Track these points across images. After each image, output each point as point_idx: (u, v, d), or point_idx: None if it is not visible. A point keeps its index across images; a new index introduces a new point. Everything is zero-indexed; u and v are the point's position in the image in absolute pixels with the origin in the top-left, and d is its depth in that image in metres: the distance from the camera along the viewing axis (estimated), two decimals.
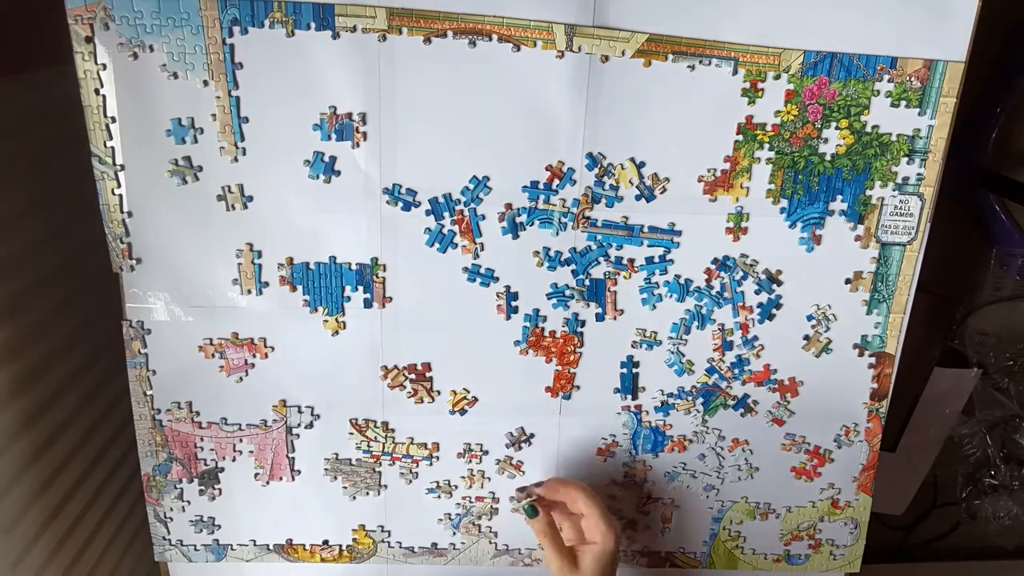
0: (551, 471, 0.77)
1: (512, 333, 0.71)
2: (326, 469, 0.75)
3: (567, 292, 0.70)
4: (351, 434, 0.74)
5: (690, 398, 0.74)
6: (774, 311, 0.72)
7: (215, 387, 0.71)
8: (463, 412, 0.74)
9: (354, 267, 0.68)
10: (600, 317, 0.71)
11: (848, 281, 0.71)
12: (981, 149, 1.12)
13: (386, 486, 0.77)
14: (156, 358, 0.70)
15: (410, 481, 0.76)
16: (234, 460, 0.74)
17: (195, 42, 0.60)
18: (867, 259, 0.71)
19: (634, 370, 0.74)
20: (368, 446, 0.75)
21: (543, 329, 0.71)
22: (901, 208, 0.69)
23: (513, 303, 0.70)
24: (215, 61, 0.61)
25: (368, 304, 0.69)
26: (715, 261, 0.70)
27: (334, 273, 0.68)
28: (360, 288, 0.69)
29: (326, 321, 0.69)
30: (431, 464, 0.76)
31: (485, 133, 0.65)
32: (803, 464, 0.78)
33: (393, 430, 0.74)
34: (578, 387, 0.74)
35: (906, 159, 0.68)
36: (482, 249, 0.68)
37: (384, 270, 0.68)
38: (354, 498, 0.77)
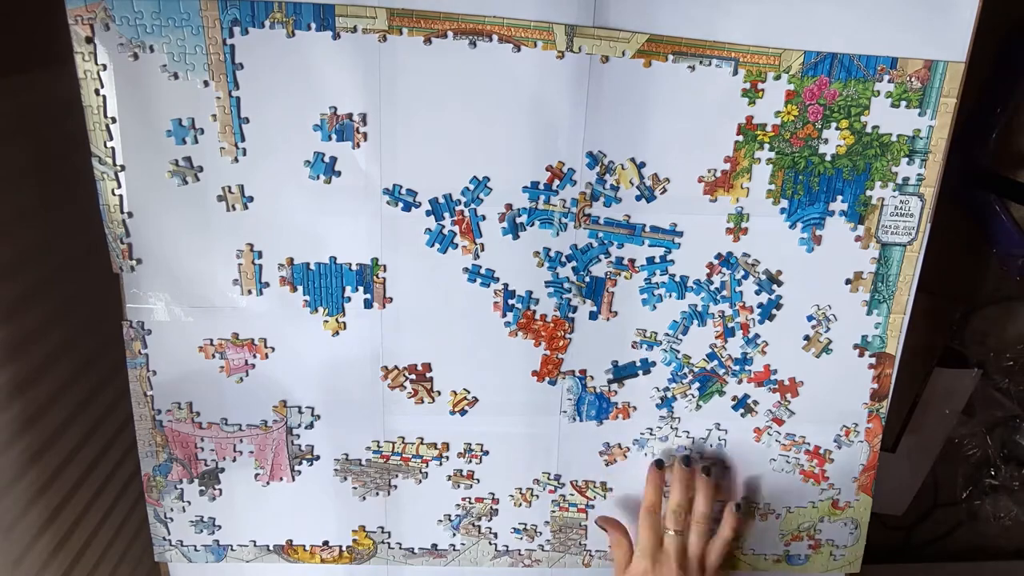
0: (550, 472, 0.77)
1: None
2: (336, 470, 0.75)
3: (566, 285, 0.70)
4: (367, 448, 0.74)
5: (686, 381, 0.74)
6: (774, 311, 0.72)
7: (215, 387, 0.71)
8: (463, 412, 0.74)
9: (354, 267, 0.68)
10: (594, 316, 0.71)
11: (848, 281, 0.71)
12: (981, 149, 1.12)
13: (396, 487, 0.77)
14: (156, 358, 0.70)
15: (420, 481, 0.76)
16: (234, 460, 0.74)
17: (195, 42, 0.60)
18: (867, 259, 0.71)
19: (635, 370, 0.74)
20: (378, 446, 0.75)
21: (534, 312, 0.71)
22: (901, 208, 0.69)
23: (510, 302, 0.70)
24: (215, 61, 0.61)
25: (368, 305, 0.69)
26: (718, 256, 0.70)
27: (334, 274, 0.68)
28: (360, 289, 0.69)
29: (326, 322, 0.69)
30: (440, 464, 0.76)
31: (485, 133, 0.65)
32: (802, 464, 0.78)
33: (403, 437, 0.75)
34: (563, 374, 0.74)
35: (906, 159, 0.68)
36: (482, 250, 0.68)
37: (384, 270, 0.68)
38: (364, 499, 0.77)
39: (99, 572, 0.82)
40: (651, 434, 0.76)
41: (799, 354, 0.74)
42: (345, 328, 0.70)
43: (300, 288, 0.68)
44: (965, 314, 1.21)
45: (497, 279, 0.69)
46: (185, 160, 0.64)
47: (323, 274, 0.68)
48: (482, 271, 0.69)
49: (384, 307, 0.70)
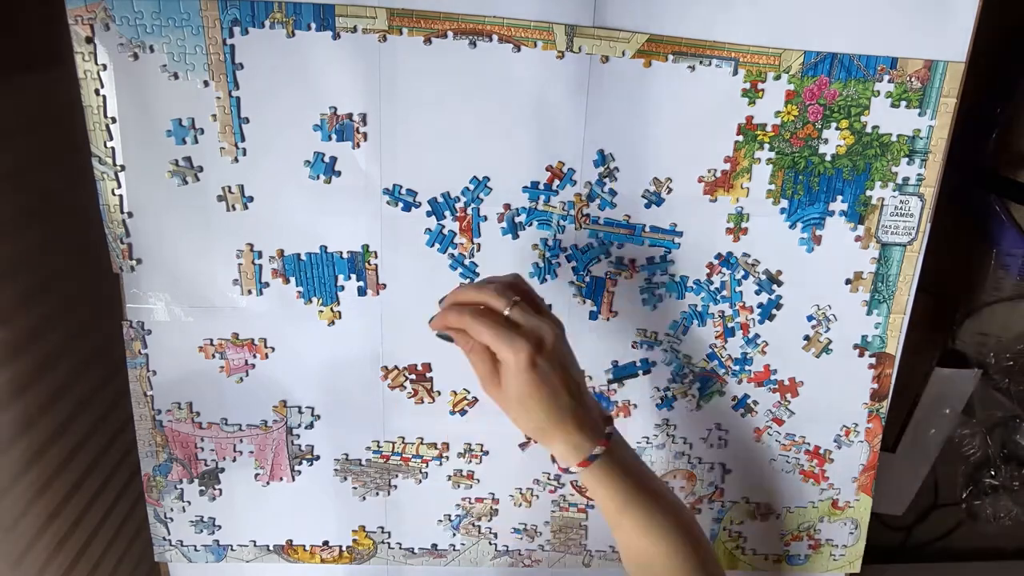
0: (550, 472, 0.77)
1: None
2: (336, 470, 0.75)
3: (571, 282, 0.70)
4: (367, 447, 0.74)
5: (686, 381, 0.74)
6: (774, 311, 0.72)
7: (215, 387, 0.71)
8: (463, 412, 0.74)
9: (345, 255, 0.68)
10: (594, 316, 0.71)
11: (848, 281, 0.71)
12: (981, 149, 1.12)
13: (396, 487, 0.77)
14: (156, 358, 0.70)
15: (420, 481, 0.76)
16: (234, 460, 0.74)
17: (195, 42, 0.60)
18: (867, 259, 0.71)
19: (636, 370, 0.74)
20: (378, 446, 0.75)
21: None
22: (901, 208, 0.69)
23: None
24: (215, 61, 0.61)
25: (362, 292, 0.69)
26: (718, 256, 0.70)
27: (325, 262, 0.68)
28: (353, 276, 0.69)
29: (321, 311, 0.69)
30: (440, 464, 0.76)
31: (485, 133, 0.65)
32: (802, 464, 0.78)
33: (403, 436, 0.75)
34: None
35: (906, 159, 0.68)
36: (479, 249, 0.68)
37: (376, 257, 0.68)
38: (364, 499, 0.77)
39: (99, 572, 0.82)
40: (648, 443, 0.77)
41: (799, 354, 0.74)
42: (340, 317, 0.70)
43: (293, 279, 0.68)
44: (965, 314, 1.21)
45: (479, 272, 0.69)
46: (185, 160, 0.64)
47: (314, 263, 0.68)
48: (465, 262, 0.69)
49: (378, 293, 0.69)
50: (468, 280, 0.69)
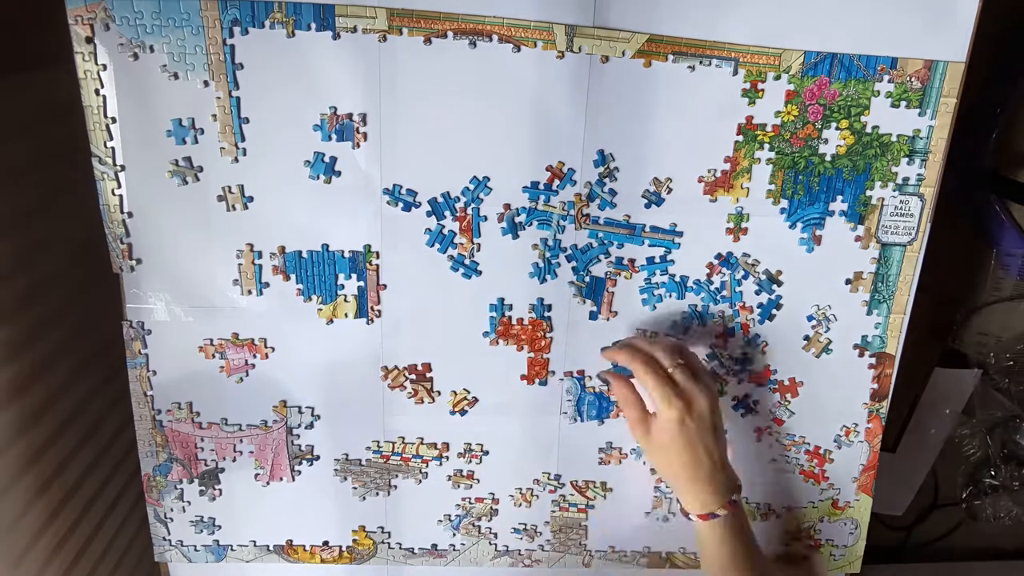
0: (550, 472, 0.77)
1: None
2: (336, 470, 0.75)
3: (571, 282, 0.70)
4: (367, 448, 0.74)
5: None
6: (774, 311, 0.72)
7: (215, 387, 0.71)
8: (463, 412, 0.74)
9: (347, 255, 0.68)
10: (594, 316, 0.71)
11: (848, 281, 0.71)
12: (981, 149, 1.12)
13: (396, 487, 0.77)
14: (156, 358, 0.70)
15: (420, 481, 0.76)
16: (234, 460, 0.74)
17: (195, 42, 0.60)
18: (867, 259, 0.71)
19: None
20: (378, 446, 0.75)
21: (510, 318, 0.71)
22: (901, 208, 0.69)
23: (507, 303, 0.70)
24: (215, 61, 0.61)
25: (363, 292, 0.69)
26: (718, 256, 0.70)
27: (327, 261, 0.68)
28: (354, 276, 0.69)
29: (320, 310, 0.69)
30: (440, 464, 0.76)
31: (485, 134, 0.65)
32: (802, 464, 0.78)
33: (403, 436, 0.75)
34: (552, 372, 0.73)
35: (906, 159, 0.68)
36: (478, 249, 0.68)
37: (377, 257, 0.68)
38: (364, 499, 0.77)
39: (99, 572, 0.82)
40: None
41: (799, 354, 0.74)
42: (342, 316, 0.70)
43: (293, 277, 0.68)
44: (965, 314, 1.21)
45: (480, 272, 0.69)
46: (185, 160, 0.64)
47: (315, 261, 0.68)
48: (465, 262, 0.69)
49: (378, 294, 0.69)
50: (468, 280, 0.69)
